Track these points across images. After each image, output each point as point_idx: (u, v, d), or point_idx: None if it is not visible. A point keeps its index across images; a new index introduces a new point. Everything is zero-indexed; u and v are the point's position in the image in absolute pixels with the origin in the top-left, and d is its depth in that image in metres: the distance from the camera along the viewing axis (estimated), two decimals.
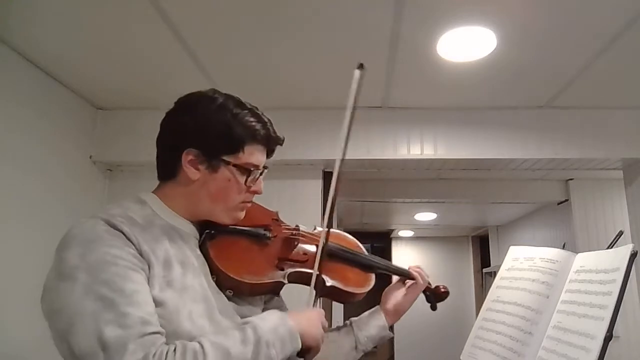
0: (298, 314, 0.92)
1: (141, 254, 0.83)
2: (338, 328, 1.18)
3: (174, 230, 0.94)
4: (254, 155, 0.96)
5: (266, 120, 0.99)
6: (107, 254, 0.79)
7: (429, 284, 1.27)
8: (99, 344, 0.71)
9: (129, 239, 0.83)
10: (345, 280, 1.10)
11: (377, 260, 1.22)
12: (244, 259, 1.00)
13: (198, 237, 0.98)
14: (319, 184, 2.48)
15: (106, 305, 0.74)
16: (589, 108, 2.39)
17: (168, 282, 0.84)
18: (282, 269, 1.02)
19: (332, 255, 1.12)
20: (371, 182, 3.68)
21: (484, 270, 6.06)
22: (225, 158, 0.94)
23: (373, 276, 1.18)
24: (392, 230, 6.32)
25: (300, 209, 2.34)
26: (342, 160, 0.97)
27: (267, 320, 0.85)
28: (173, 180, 0.96)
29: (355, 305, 1.24)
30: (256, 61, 1.95)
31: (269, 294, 1.09)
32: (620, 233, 1.13)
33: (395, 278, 1.27)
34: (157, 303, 0.81)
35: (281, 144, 1.03)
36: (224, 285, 0.95)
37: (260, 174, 0.99)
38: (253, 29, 1.71)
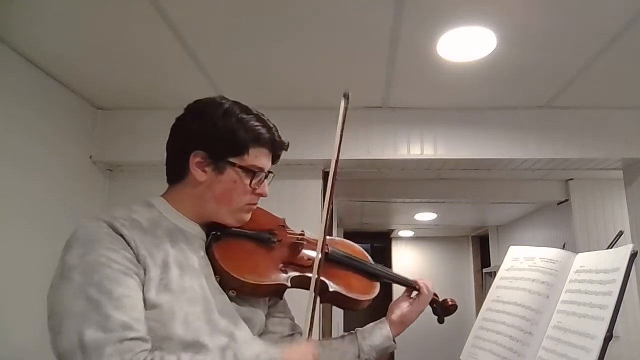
0: (289, 345, 0.97)
1: (138, 258, 0.85)
2: (342, 336, 1.18)
3: (180, 231, 0.96)
4: (259, 158, 0.99)
5: (271, 125, 1.02)
6: (103, 256, 0.81)
7: (436, 295, 1.27)
8: (79, 345, 0.73)
9: (127, 243, 0.85)
10: (349, 287, 1.11)
11: (382, 268, 1.22)
12: (247, 260, 1.01)
13: (205, 239, 1.01)
14: (319, 184, 2.48)
15: (93, 307, 0.76)
16: (589, 108, 2.39)
17: (165, 285, 0.86)
18: (286, 272, 1.03)
19: (337, 262, 1.14)
20: (371, 182, 3.68)
21: (484, 270, 6.06)
22: (231, 160, 0.97)
23: (377, 284, 1.18)
24: (392, 230, 6.32)
25: (300, 209, 2.34)
26: (334, 180, 1.00)
27: (250, 348, 0.87)
28: (181, 183, 1.00)
29: (360, 317, 1.23)
30: (256, 61, 1.95)
31: (273, 297, 1.10)
32: (620, 233, 1.13)
33: (399, 287, 1.26)
34: (153, 306, 0.82)
35: (286, 149, 1.06)
36: (227, 286, 0.96)
37: (265, 177, 1.02)
38: (253, 29, 1.71)
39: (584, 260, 1.06)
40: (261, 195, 1.03)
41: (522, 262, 1.19)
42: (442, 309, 1.29)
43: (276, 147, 1.03)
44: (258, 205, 1.08)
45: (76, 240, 0.84)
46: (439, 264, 6.46)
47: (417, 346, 5.84)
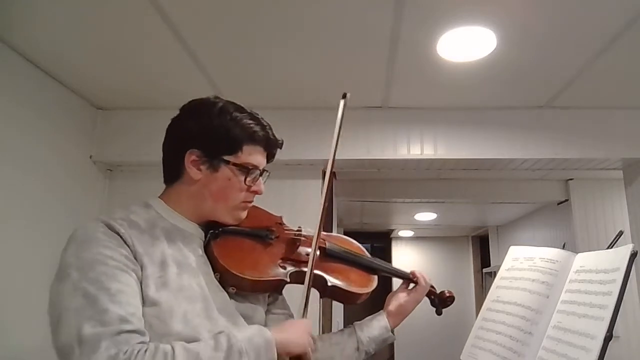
0: (283, 324, 0.97)
1: (135, 256, 0.86)
2: (341, 331, 1.20)
3: (178, 231, 0.97)
4: (253, 155, 1.00)
5: (265, 124, 1.03)
6: (99, 253, 0.82)
7: (433, 287, 1.29)
8: (77, 339, 0.74)
9: (124, 241, 0.86)
10: (348, 281, 1.13)
11: (379, 262, 1.24)
12: (246, 257, 1.02)
13: (203, 237, 1.02)
14: (318, 184, 2.48)
15: (90, 302, 0.77)
16: (588, 108, 2.39)
17: (164, 282, 0.87)
18: (285, 268, 1.04)
19: (336, 257, 1.16)
20: (371, 182, 3.68)
21: (484, 270, 6.05)
22: (225, 158, 0.98)
23: (375, 278, 1.21)
24: (392, 230, 6.32)
25: (300, 209, 2.34)
26: (331, 176, 1.02)
27: (243, 331, 0.88)
28: (177, 183, 1.01)
29: (360, 316, 1.25)
30: (256, 61, 1.95)
31: (272, 292, 1.11)
32: (620, 233, 1.13)
33: (398, 282, 1.29)
34: (153, 303, 0.84)
35: (280, 147, 1.07)
36: (227, 283, 0.97)
37: (260, 174, 1.03)
38: (253, 29, 1.71)
39: (584, 260, 1.06)
40: (257, 192, 1.04)
41: (522, 262, 1.19)
42: (440, 300, 1.31)
43: (270, 145, 1.05)
44: (255, 204, 1.09)
45: (74, 240, 0.86)
46: (439, 264, 6.46)
47: (417, 346, 5.85)
